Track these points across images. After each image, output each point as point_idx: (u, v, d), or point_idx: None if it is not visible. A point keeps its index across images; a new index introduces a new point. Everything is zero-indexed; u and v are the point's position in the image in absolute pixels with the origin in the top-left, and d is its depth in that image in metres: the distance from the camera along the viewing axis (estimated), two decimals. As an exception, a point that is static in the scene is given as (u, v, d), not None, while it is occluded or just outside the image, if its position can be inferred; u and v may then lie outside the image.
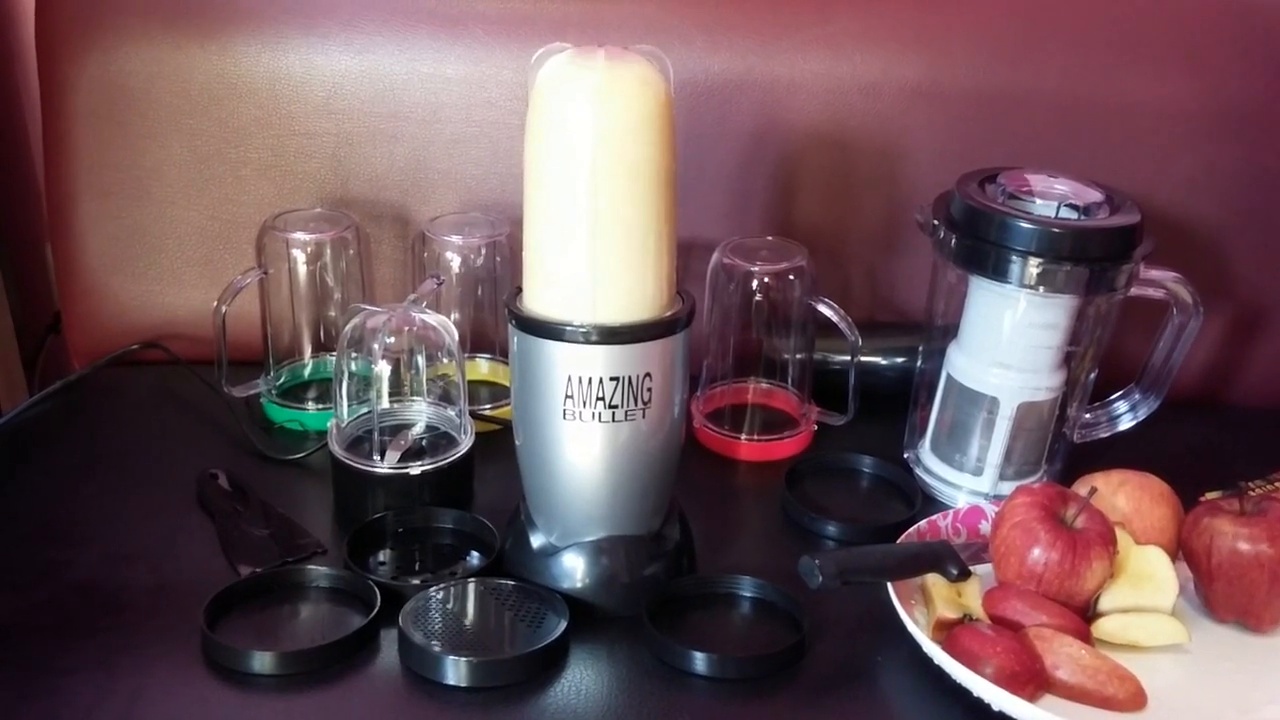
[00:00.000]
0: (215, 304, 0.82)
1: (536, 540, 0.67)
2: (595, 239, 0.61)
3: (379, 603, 0.64)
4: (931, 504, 0.79)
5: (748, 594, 0.69)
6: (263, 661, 0.61)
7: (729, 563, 0.71)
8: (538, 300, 0.64)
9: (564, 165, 0.61)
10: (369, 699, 0.61)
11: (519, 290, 0.66)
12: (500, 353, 0.90)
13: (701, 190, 0.90)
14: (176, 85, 0.88)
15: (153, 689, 0.60)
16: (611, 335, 0.62)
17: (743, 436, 0.85)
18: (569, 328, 0.62)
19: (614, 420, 0.63)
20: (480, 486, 0.77)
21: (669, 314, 0.64)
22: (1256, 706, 0.61)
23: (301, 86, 0.88)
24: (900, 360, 0.88)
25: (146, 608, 0.66)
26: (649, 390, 0.63)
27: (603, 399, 0.63)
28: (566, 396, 0.63)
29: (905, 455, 0.84)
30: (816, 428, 0.86)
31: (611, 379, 0.63)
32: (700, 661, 0.63)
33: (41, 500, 0.76)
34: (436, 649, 0.61)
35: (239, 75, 0.88)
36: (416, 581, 0.68)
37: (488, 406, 0.86)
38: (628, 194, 0.61)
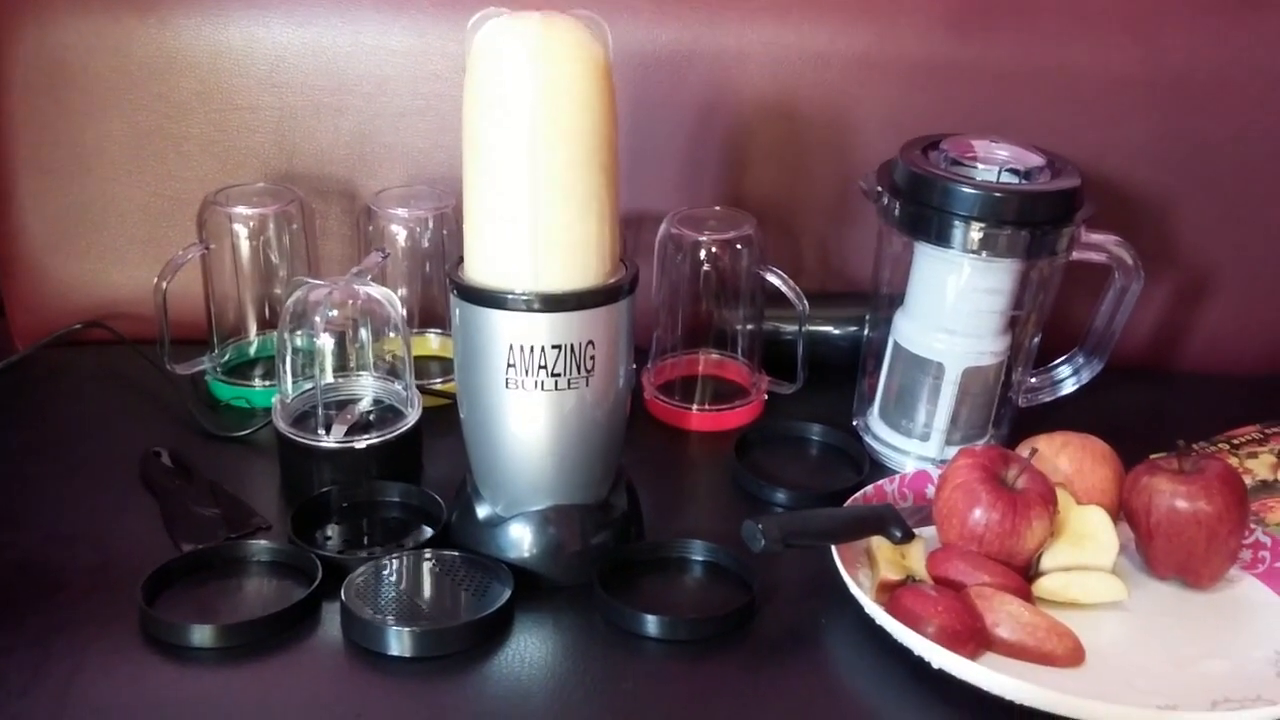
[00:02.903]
0: (156, 280, 0.81)
1: (483, 511, 0.67)
2: (534, 204, 0.61)
3: (320, 575, 0.64)
4: (880, 470, 0.79)
5: (699, 558, 0.69)
6: (201, 635, 0.60)
7: (679, 531, 0.71)
8: (479, 269, 0.64)
9: (501, 129, 0.60)
10: (310, 671, 0.61)
11: (461, 260, 0.65)
12: (450, 327, 0.89)
13: (651, 162, 0.89)
14: (115, 59, 0.86)
15: (90, 666, 0.60)
16: (553, 303, 0.62)
17: (694, 407, 0.85)
18: (510, 296, 0.62)
19: (557, 389, 0.63)
20: (430, 461, 0.77)
21: (611, 281, 0.64)
22: (1193, 661, 0.62)
23: (243, 60, 0.87)
24: (852, 329, 0.88)
25: (86, 587, 0.65)
26: (592, 359, 0.63)
27: (545, 368, 0.63)
28: (509, 365, 0.63)
29: (854, 423, 0.84)
30: (767, 397, 0.86)
31: (554, 347, 0.62)
32: (649, 623, 0.63)
33: (-19, 481, 0.75)
34: (378, 619, 0.61)
35: (179, 49, 0.86)
36: (362, 555, 0.67)
37: (438, 381, 0.85)
38: (566, 159, 0.61)
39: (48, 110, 0.87)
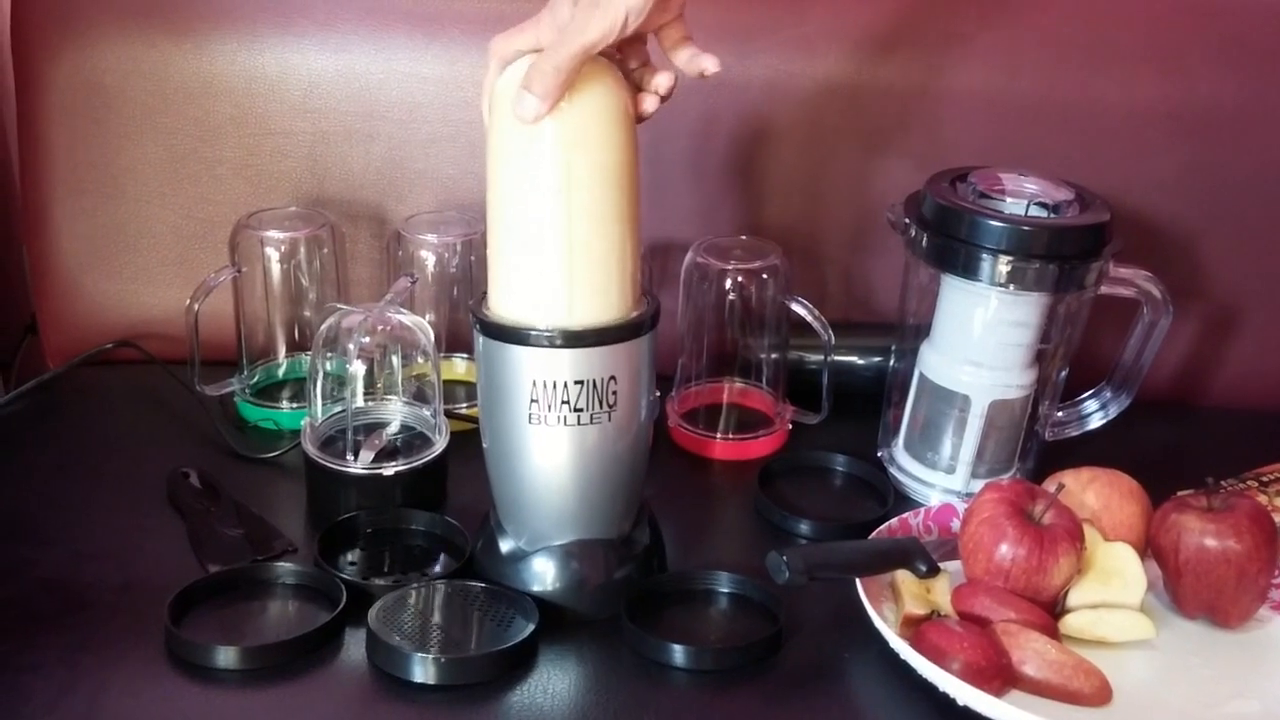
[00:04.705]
0: (188, 302, 0.82)
1: (505, 545, 0.67)
2: (556, 244, 0.61)
3: (345, 599, 0.64)
4: (905, 502, 0.79)
5: (724, 590, 0.69)
6: (226, 656, 0.61)
7: (702, 561, 0.71)
8: (502, 305, 0.64)
9: (524, 171, 0.61)
10: (334, 696, 0.61)
11: (484, 295, 0.65)
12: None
13: (677, 191, 0.90)
14: (152, 83, 0.88)
15: (116, 685, 0.60)
16: (575, 339, 0.62)
17: (718, 436, 0.85)
18: (533, 332, 0.62)
19: (579, 424, 0.63)
20: (455, 486, 0.77)
21: (633, 316, 0.64)
22: (1222, 701, 0.62)
23: (277, 85, 0.88)
24: (877, 359, 0.88)
25: (113, 605, 0.66)
26: (614, 393, 0.63)
27: (568, 402, 0.63)
28: (532, 400, 0.63)
29: (879, 454, 0.84)
30: (791, 427, 0.86)
31: (576, 382, 0.62)
32: (674, 653, 0.63)
33: (12, 498, 0.76)
34: (403, 646, 0.61)
35: (214, 74, 0.88)
36: (386, 581, 0.68)
37: (464, 405, 0.86)
38: (589, 197, 0.61)
39: (84, 132, 0.89)
